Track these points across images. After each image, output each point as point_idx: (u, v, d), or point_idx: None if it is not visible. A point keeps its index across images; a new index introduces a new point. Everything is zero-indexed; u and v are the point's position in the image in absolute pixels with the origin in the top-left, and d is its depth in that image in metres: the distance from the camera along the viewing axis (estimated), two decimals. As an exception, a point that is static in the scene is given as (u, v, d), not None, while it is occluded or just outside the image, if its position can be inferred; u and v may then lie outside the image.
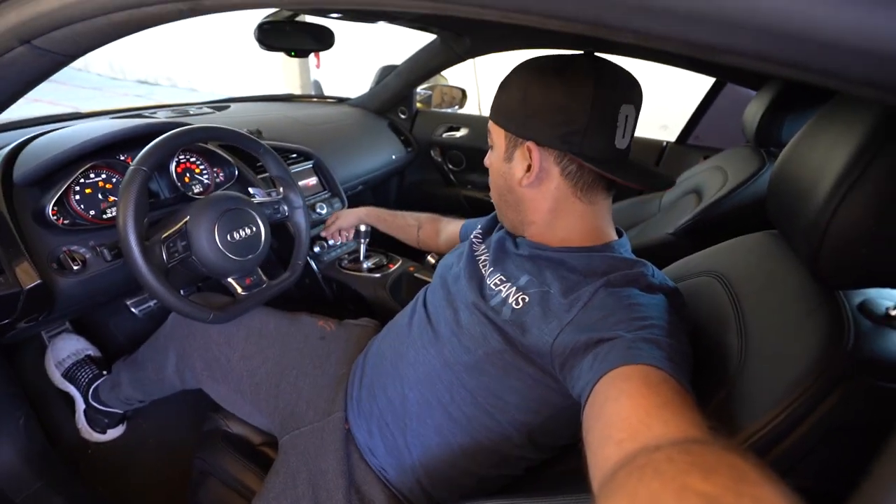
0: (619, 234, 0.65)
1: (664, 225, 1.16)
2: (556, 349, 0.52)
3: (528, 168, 0.59)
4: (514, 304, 0.58)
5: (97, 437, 1.09)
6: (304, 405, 0.77)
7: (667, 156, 1.59)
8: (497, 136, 0.63)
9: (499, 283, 0.62)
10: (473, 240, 0.77)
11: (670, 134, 1.65)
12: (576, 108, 0.55)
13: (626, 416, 0.35)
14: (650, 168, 0.66)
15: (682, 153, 1.56)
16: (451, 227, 1.03)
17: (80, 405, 1.08)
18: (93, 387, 1.07)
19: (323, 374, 0.82)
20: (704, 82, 1.52)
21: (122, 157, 0.87)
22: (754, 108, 1.10)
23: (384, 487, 0.66)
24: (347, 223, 1.16)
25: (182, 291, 1.15)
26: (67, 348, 1.11)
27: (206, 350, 0.86)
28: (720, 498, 0.23)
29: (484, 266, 0.69)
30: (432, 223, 1.09)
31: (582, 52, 0.57)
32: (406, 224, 1.11)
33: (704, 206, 1.07)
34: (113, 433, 1.11)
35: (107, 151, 0.84)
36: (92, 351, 1.13)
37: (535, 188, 0.61)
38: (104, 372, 1.09)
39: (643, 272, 0.55)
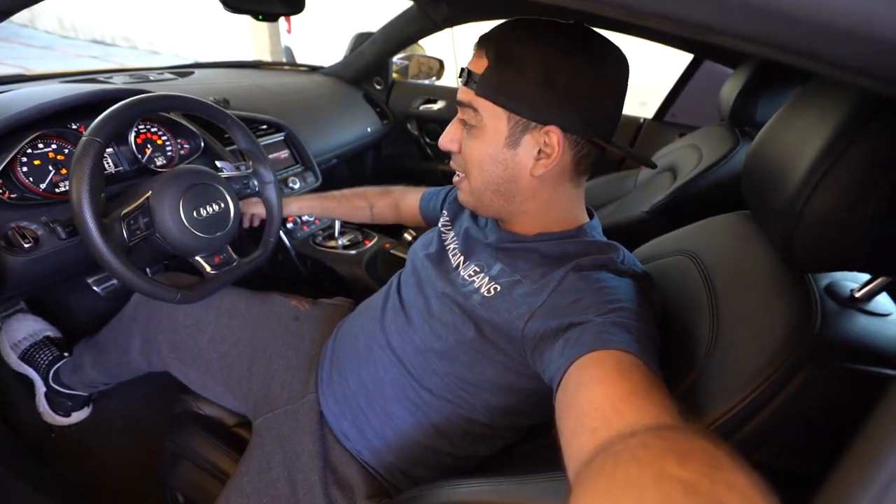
0: (591, 215, 0.65)
1: (639, 203, 1.18)
2: (526, 334, 0.52)
3: (539, 154, 0.55)
4: (485, 293, 0.58)
5: (60, 420, 1.05)
6: (277, 387, 0.76)
7: (643, 132, 1.60)
8: (493, 117, 0.55)
9: (472, 273, 0.62)
10: (442, 228, 0.75)
11: (648, 110, 1.65)
12: (607, 95, 0.54)
13: (598, 405, 0.36)
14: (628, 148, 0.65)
15: (658, 130, 1.57)
16: (409, 198, 0.97)
17: (41, 388, 1.04)
18: (53, 369, 1.02)
19: (297, 355, 0.80)
20: (682, 59, 1.51)
21: (74, 126, 0.81)
22: (730, 87, 1.11)
23: (360, 467, 0.66)
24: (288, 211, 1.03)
25: (148, 270, 1.11)
26: (23, 329, 1.05)
27: (173, 332, 0.83)
28: (696, 483, 0.24)
29: (454, 255, 0.68)
30: (384, 198, 1.01)
31: (572, 21, 0.54)
32: (355, 206, 1.02)
33: (679, 184, 1.08)
34: (78, 416, 1.07)
35: (57, 119, 0.78)
36: (51, 331, 1.08)
37: (543, 176, 0.57)
38: (65, 353, 1.04)
39: (613, 258, 0.55)
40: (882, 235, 0.36)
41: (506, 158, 0.56)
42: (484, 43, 0.55)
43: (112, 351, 0.90)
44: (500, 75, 0.53)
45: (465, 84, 0.56)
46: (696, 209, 0.93)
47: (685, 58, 1.51)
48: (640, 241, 0.78)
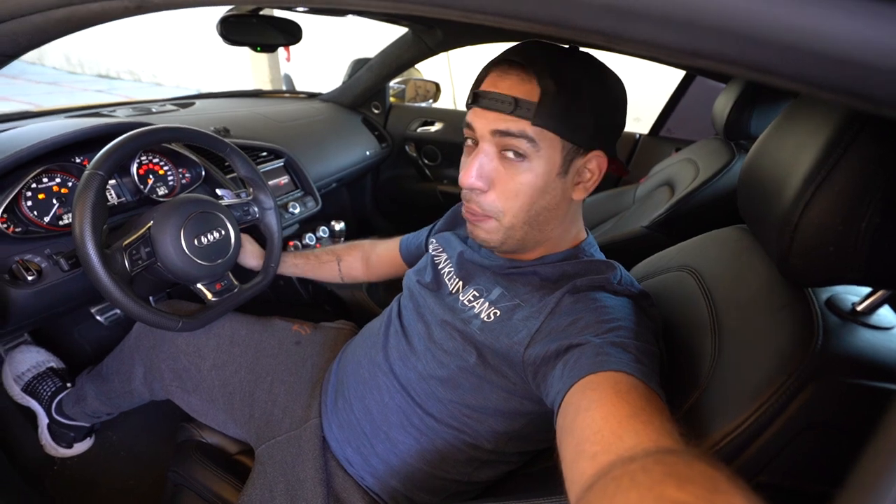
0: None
1: (638, 218, 1.18)
2: (527, 359, 0.51)
3: (578, 179, 0.56)
4: (484, 318, 0.58)
5: (63, 451, 1.04)
6: (279, 413, 0.75)
7: (640, 148, 1.62)
8: (549, 147, 0.52)
9: (472, 299, 0.61)
10: (433, 253, 0.74)
11: (643, 126, 1.67)
12: (623, 109, 0.56)
13: (598, 429, 0.35)
14: None
15: (654, 145, 1.59)
16: (380, 249, 0.95)
17: (44, 420, 1.03)
18: (56, 400, 1.01)
19: (299, 381, 0.80)
20: (675, 74, 1.54)
21: (77, 160, 0.82)
22: (723, 101, 1.12)
23: (364, 494, 0.65)
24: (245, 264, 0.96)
25: (151, 299, 1.11)
26: (27, 361, 1.05)
27: (175, 360, 0.82)
28: None
29: (451, 280, 0.67)
30: (352, 251, 0.98)
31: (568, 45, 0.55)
32: (321, 262, 0.98)
33: (677, 198, 1.09)
34: (80, 447, 1.06)
35: (61, 153, 0.79)
36: (54, 362, 1.07)
37: (583, 197, 0.58)
38: (68, 384, 1.04)
39: (609, 278, 0.55)
40: (879, 248, 0.36)
41: (555, 187, 0.55)
42: (528, 68, 0.51)
43: (115, 381, 0.89)
44: (560, 103, 0.50)
45: (512, 113, 0.51)
46: (695, 223, 0.94)
47: (677, 73, 1.53)
48: (640, 255, 0.78)
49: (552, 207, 0.56)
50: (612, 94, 0.54)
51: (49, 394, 1.02)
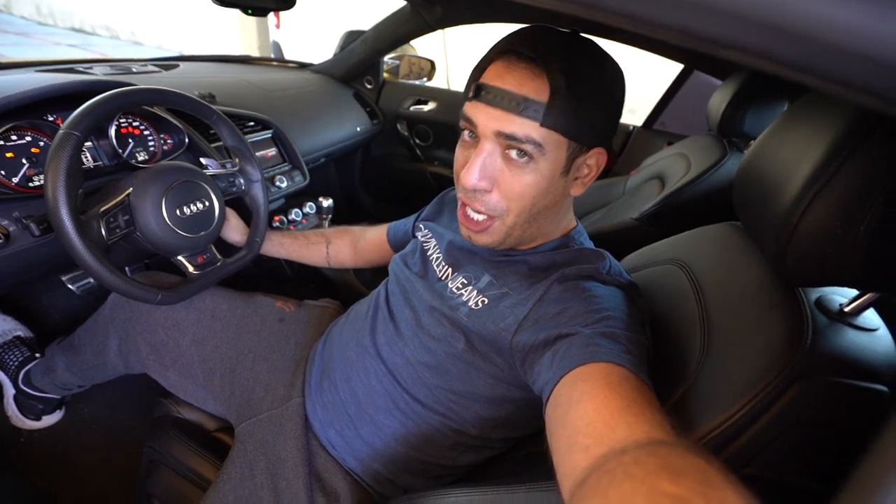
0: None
1: (628, 209, 1.19)
2: (515, 346, 0.51)
3: (576, 175, 0.55)
4: (472, 306, 0.57)
5: (30, 424, 1.01)
6: (261, 391, 0.74)
7: (633, 139, 1.62)
8: (556, 148, 0.50)
9: (461, 286, 0.61)
10: (422, 240, 0.73)
11: (638, 118, 1.67)
12: (622, 100, 0.54)
13: (590, 421, 0.35)
14: None
15: (647, 138, 1.59)
16: (369, 235, 0.93)
17: (10, 391, 0.99)
18: (23, 371, 0.98)
19: (281, 358, 0.78)
20: (672, 67, 1.53)
21: (50, 119, 0.78)
22: (719, 98, 1.12)
23: (346, 474, 0.65)
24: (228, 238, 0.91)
25: (127, 269, 1.07)
26: None
27: (152, 333, 0.80)
28: (689, 500, 0.24)
29: (439, 266, 0.67)
30: (343, 236, 0.96)
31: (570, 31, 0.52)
32: (309, 242, 0.95)
33: (667, 192, 1.09)
34: (49, 419, 1.03)
35: (32, 110, 0.74)
36: (21, 331, 1.03)
37: (581, 192, 0.57)
38: (36, 354, 1.00)
39: (598, 268, 0.55)
40: (876, 251, 0.36)
41: (557, 186, 0.53)
42: (540, 60, 0.47)
43: (87, 352, 0.87)
44: (570, 103, 0.47)
45: (520, 113, 0.48)
46: (684, 218, 0.94)
47: (675, 66, 1.52)
48: (629, 247, 0.78)
49: (552, 205, 0.56)
50: (620, 90, 0.53)
51: (16, 364, 0.98)
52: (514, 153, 0.51)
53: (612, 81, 0.51)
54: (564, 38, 0.49)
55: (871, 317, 0.44)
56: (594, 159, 0.55)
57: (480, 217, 0.55)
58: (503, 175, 0.52)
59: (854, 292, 0.45)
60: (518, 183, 0.52)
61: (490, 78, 0.50)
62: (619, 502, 0.25)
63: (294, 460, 0.64)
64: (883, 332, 0.43)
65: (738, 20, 0.22)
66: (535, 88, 0.47)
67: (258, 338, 0.81)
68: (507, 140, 0.50)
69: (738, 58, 0.25)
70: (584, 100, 0.48)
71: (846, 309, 0.44)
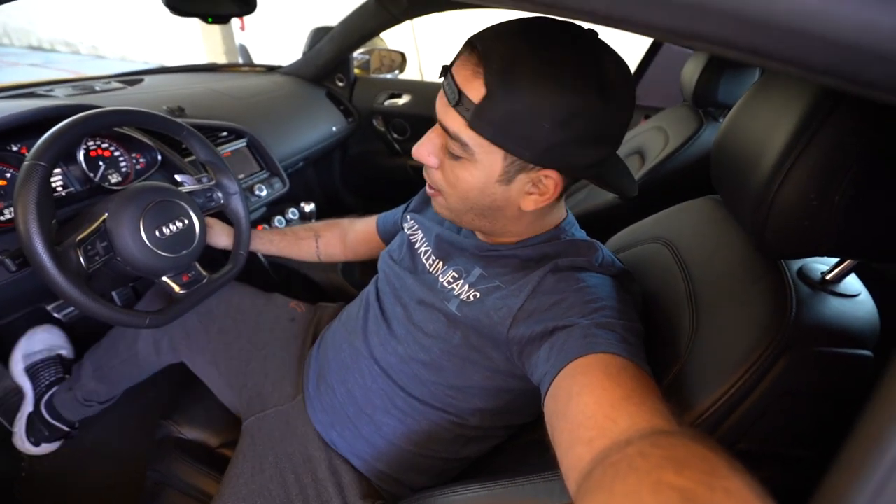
0: None
1: (611, 188, 1.19)
2: (511, 338, 0.51)
3: (532, 188, 0.51)
4: (464, 299, 0.57)
5: (28, 447, 1.00)
6: (269, 387, 0.76)
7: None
8: (487, 153, 0.47)
9: (451, 280, 0.61)
10: (409, 232, 0.73)
11: (612, 94, 1.66)
12: (616, 134, 0.49)
13: (591, 414, 0.35)
14: (618, 158, 0.57)
15: (624, 113, 1.59)
16: (358, 227, 0.93)
17: (28, 408, 0.99)
18: (50, 391, 0.98)
19: (289, 357, 0.81)
20: (643, 41, 1.53)
21: (14, 148, 0.75)
22: (691, 68, 1.13)
23: (351, 469, 0.66)
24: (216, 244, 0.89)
25: (115, 294, 1.06)
26: (44, 342, 1.02)
27: (187, 319, 0.83)
28: (694, 491, 0.24)
29: (428, 260, 0.66)
30: (332, 228, 0.95)
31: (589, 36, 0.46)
32: (298, 238, 0.94)
33: (648, 167, 1.10)
34: (46, 448, 1.02)
35: (-5, 141, 0.72)
36: (66, 351, 1.05)
37: (533, 209, 0.53)
38: (66, 376, 1.01)
39: (591, 260, 0.54)
40: (851, 220, 0.37)
41: (494, 192, 0.51)
42: (482, 59, 0.44)
43: (120, 346, 0.88)
44: (503, 111, 0.43)
45: (455, 106, 0.46)
46: (666, 191, 0.95)
47: (645, 40, 1.52)
48: (614, 226, 0.79)
49: (496, 208, 0.53)
50: (600, 116, 0.45)
51: (47, 383, 0.99)
52: (450, 151, 0.50)
53: (576, 107, 0.43)
54: (531, 44, 0.43)
55: (852, 282, 0.45)
56: (551, 181, 0.49)
57: (432, 189, 0.58)
58: (445, 162, 0.53)
59: (834, 259, 0.46)
60: (451, 174, 0.53)
61: (454, 65, 0.48)
62: (624, 496, 0.25)
63: (301, 456, 0.66)
64: (864, 296, 0.44)
65: (696, 11, 0.22)
66: (473, 86, 0.44)
67: (271, 335, 0.84)
68: (445, 132, 0.50)
69: (701, 47, 0.25)
70: (527, 114, 0.43)
71: (827, 277, 0.45)
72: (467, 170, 0.50)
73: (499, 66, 0.43)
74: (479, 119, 0.45)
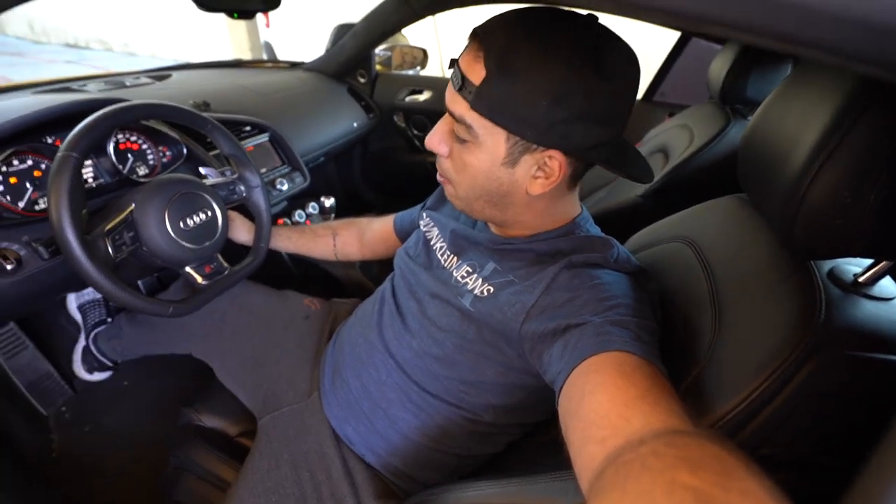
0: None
1: (633, 186, 1.17)
2: (524, 334, 0.51)
3: (537, 172, 0.51)
4: (477, 294, 0.57)
5: (83, 374, 1.13)
6: (284, 385, 0.77)
7: (633, 114, 1.58)
8: (490, 135, 0.49)
9: (465, 274, 0.60)
10: (424, 229, 0.73)
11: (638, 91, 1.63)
12: (619, 115, 0.49)
13: (604, 413, 0.35)
14: (628, 145, 0.56)
15: (648, 110, 1.56)
16: (375, 226, 0.94)
17: (81, 342, 1.12)
18: (96, 330, 1.09)
19: (304, 354, 0.81)
20: (670, 35, 1.49)
21: (49, 140, 0.78)
22: (719, 64, 1.09)
23: (366, 468, 0.66)
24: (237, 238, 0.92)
25: (140, 283, 1.10)
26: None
27: (203, 319, 0.86)
28: (709, 492, 0.24)
29: (443, 255, 0.66)
30: (349, 227, 0.96)
31: (587, 16, 0.47)
32: (316, 235, 0.95)
33: (672, 166, 1.07)
34: (98, 376, 1.15)
35: (31, 134, 0.75)
36: None
37: (541, 193, 0.53)
38: (108, 319, 1.11)
39: (606, 256, 0.54)
40: (886, 219, 0.35)
41: (500, 176, 0.52)
42: (482, 44, 0.46)
43: (147, 325, 0.96)
44: (502, 90, 0.45)
45: (459, 90, 0.48)
46: (690, 190, 0.93)
47: (672, 35, 1.49)
48: (635, 225, 0.77)
49: (504, 194, 0.54)
50: (597, 92, 0.45)
51: (94, 322, 1.11)
52: (456, 134, 0.52)
53: (572, 83, 0.44)
54: (529, 29, 0.45)
55: (886, 286, 0.43)
56: (556, 162, 0.49)
57: (441, 177, 0.59)
58: (454, 148, 0.54)
59: (867, 261, 0.44)
60: (458, 160, 0.54)
61: (461, 53, 0.51)
62: (637, 495, 0.25)
63: (316, 454, 0.66)
64: None
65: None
66: (474, 70, 0.47)
67: (286, 333, 0.85)
68: (451, 116, 0.52)
69: (727, 34, 0.24)
70: (524, 92, 0.44)
71: (860, 279, 0.43)
72: (473, 154, 0.52)
73: (497, 48, 0.45)
74: (480, 101, 0.47)
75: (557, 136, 0.47)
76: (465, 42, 0.50)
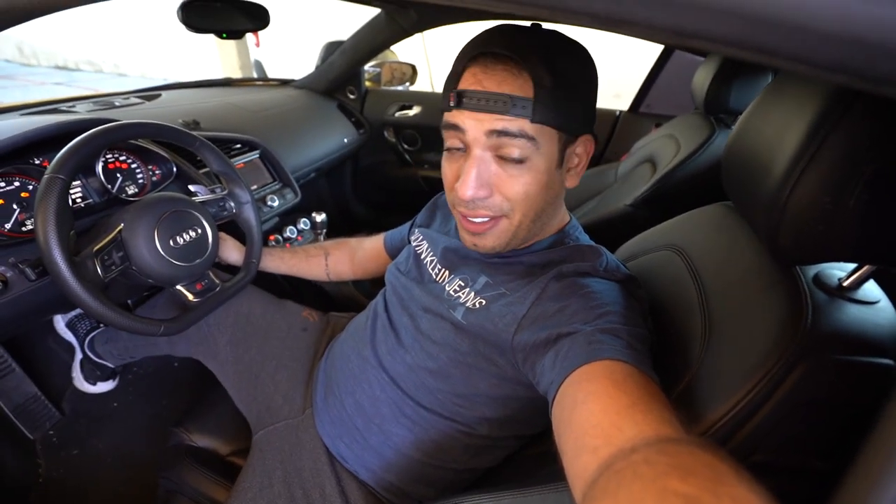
0: None
1: (621, 196, 1.18)
2: (516, 345, 0.51)
3: (572, 164, 0.55)
4: (470, 306, 0.57)
5: (88, 387, 1.13)
6: (280, 399, 0.76)
7: (620, 125, 1.61)
8: (548, 142, 0.50)
9: (458, 288, 0.61)
10: (415, 244, 0.73)
11: (623, 102, 1.66)
12: (596, 82, 0.55)
13: (597, 422, 0.35)
14: None
15: (634, 122, 1.59)
16: (366, 245, 0.94)
17: (78, 355, 1.12)
18: (89, 337, 1.08)
19: (300, 368, 0.81)
20: (654, 48, 1.53)
21: (37, 161, 0.78)
22: (702, 76, 1.12)
23: (360, 486, 0.65)
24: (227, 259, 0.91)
25: (130, 302, 1.08)
26: None
27: (199, 327, 0.85)
28: (700, 498, 0.24)
29: (434, 269, 0.67)
30: (341, 247, 0.97)
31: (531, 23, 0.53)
32: (308, 255, 0.96)
33: (659, 175, 1.09)
34: (103, 386, 1.14)
35: (18, 155, 0.74)
36: None
37: (574, 185, 0.57)
38: (101, 325, 1.11)
39: (595, 265, 0.54)
40: (867, 224, 0.36)
41: (554, 180, 0.53)
42: (519, 58, 0.47)
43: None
44: (556, 96, 0.47)
45: (509, 113, 0.47)
46: (678, 199, 0.94)
47: (656, 48, 1.52)
48: (625, 234, 0.78)
49: (553, 198, 0.56)
50: (594, 74, 0.53)
51: (85, 331, 1.10)
52: (508, 154, 0.49)
53: (586, 67, 0.52)
54: (542, 34, 0.50)
55: (871, 289, 0.44)
56: (582, 147, 0.55)
57: (485, 218, 0.54)
58: (500, 179, 0.51)
59: (852, 265, 0.44)
60: (518, 184, 0.51)
61: (469, 83, 0.49)
62: (629, 503, 0.25)
63: (310, 471, 0.65)
64: (884, 303, 0.43)
65: (700, 10, 0.22)
66: (518, 86, 0.47)
67: (282, 345, 0.84)
68: (501, 138, 0.48)
69: (706, 47, 0.24)
70: (568, 89, 0.49)
71: (845, 283, 0.43)
72: (532, 168, 0.51)
73: (537, 60, 0.47)
74: (539, 111, 0.47)
75: (591, 117, 0.54)
76: (463, 67, 0.50)
